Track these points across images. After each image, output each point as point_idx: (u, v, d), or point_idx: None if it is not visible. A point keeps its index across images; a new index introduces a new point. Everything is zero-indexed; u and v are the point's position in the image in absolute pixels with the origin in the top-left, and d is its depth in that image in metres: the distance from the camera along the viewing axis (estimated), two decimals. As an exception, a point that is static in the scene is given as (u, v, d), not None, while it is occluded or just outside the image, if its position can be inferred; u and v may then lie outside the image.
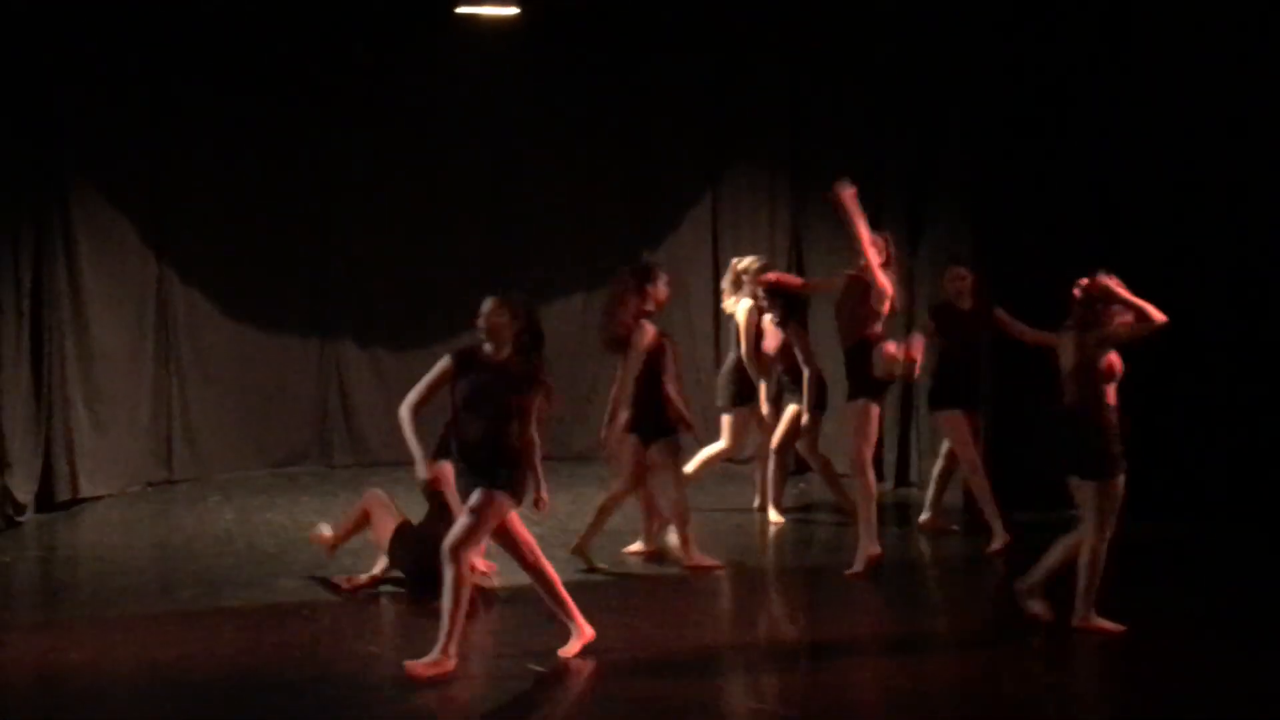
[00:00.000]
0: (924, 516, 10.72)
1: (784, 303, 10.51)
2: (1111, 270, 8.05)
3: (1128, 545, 8.33)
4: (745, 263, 11.15)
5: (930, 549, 10.35)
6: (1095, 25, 11.01)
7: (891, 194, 12.26)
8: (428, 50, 13.42)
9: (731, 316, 11.12)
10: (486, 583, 9.04)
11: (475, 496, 7.40)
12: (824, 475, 11.11)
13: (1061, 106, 11.09)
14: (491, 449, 7.38)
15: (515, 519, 7.65)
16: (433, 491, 8.37)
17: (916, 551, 10.36)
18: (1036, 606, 8.08)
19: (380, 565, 9.24)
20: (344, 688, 7.28)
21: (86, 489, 11.94)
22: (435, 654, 7.31)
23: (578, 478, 12.43)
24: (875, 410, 9.34)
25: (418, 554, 8.83)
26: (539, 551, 7.78)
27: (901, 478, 12.40)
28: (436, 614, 7.42)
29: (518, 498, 7.53)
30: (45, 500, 11.63)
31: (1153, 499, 9.82)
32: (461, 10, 12.85)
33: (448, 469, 7.94)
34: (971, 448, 10.22)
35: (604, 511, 9.83)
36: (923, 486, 11.42)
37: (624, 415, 9.50)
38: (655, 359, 9.49)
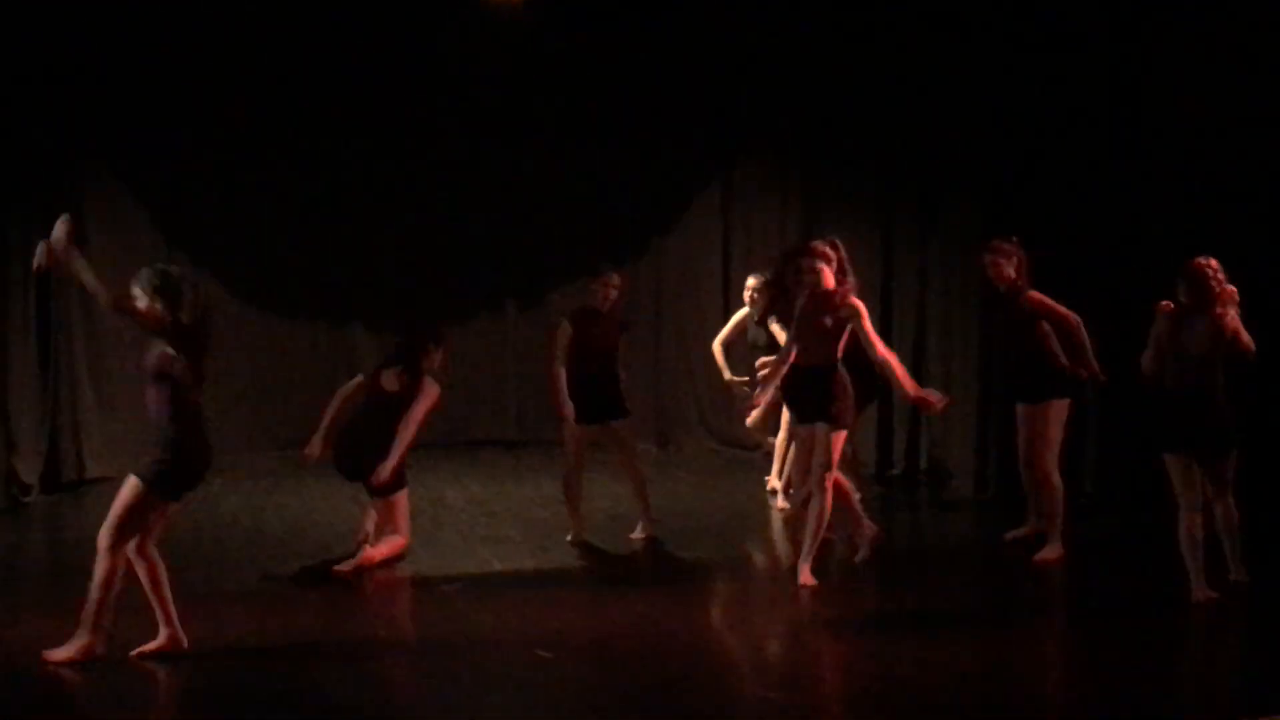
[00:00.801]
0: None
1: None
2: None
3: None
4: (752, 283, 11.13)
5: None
6: (1111, 21, 10.95)
7: (905, 184, 12.24)
8: (437, 37, 13.36)
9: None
10: None
11: None
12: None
13: (1078, 93, 11.04)
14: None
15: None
16: None
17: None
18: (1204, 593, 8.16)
19: (381, 547, 9.27)
20: (349, 670, 7.26)
21: (92, 470, 11.96)
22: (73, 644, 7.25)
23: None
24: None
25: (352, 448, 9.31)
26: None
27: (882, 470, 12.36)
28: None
29: None
30: (51, 481, 11.64)
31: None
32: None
33: None
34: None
35: (569, 496, 9.94)
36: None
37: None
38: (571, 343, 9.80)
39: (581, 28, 13.48)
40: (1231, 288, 8.15)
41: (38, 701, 6.92)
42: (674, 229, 14.07)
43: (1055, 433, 9.38)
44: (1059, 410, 9.39)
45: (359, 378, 9.73)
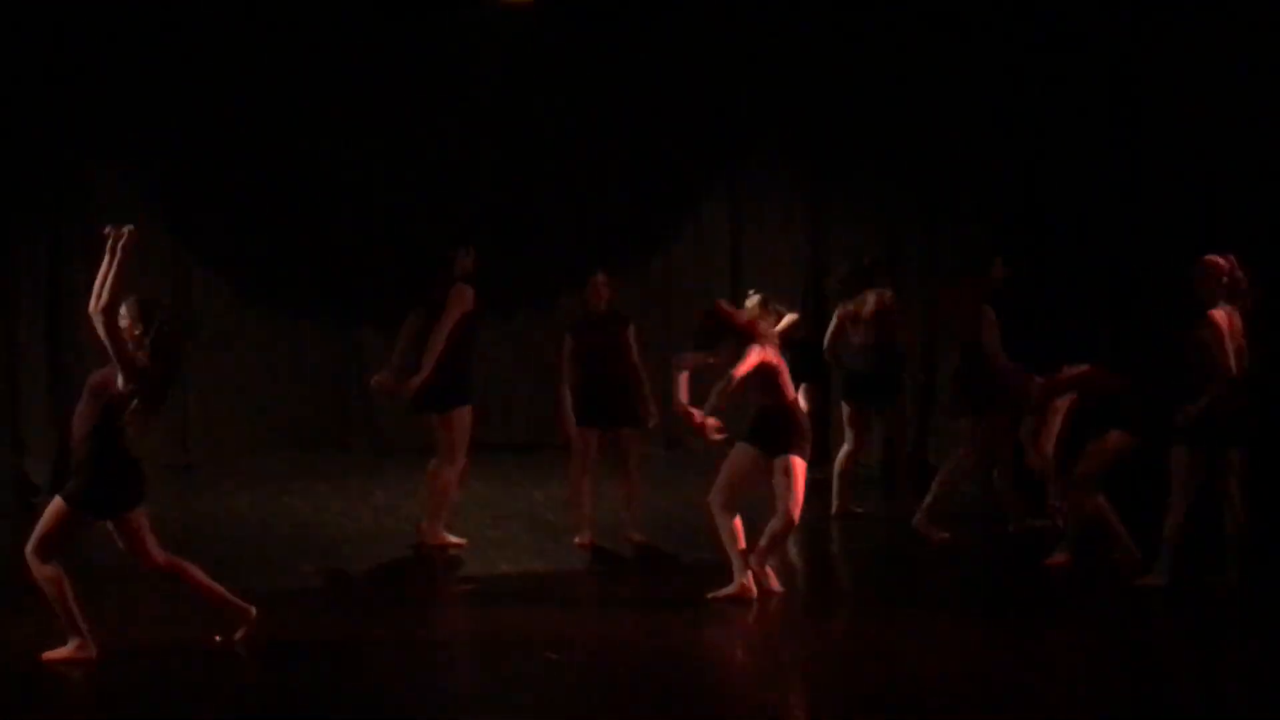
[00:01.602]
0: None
1: None
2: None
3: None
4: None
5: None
6: (1116, 26, 10.95)
7: (908, 191, 12.24)
8: (445, 36, 13.37)
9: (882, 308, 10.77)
10: None
11: None
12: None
13: (1083, 96, 11.04)
14: None
15: None
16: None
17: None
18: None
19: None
20: (355, 670, 7.28)
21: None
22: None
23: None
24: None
25: None
26: None
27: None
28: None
29: None
30: (61, 483, 11.61)
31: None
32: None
33: None
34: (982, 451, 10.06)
35: (578, 499, 9.94)
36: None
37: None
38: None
39: (589, 29, 13.48)
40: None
41: (38, 700, 6.94)
42: (682, 231, 14.06)
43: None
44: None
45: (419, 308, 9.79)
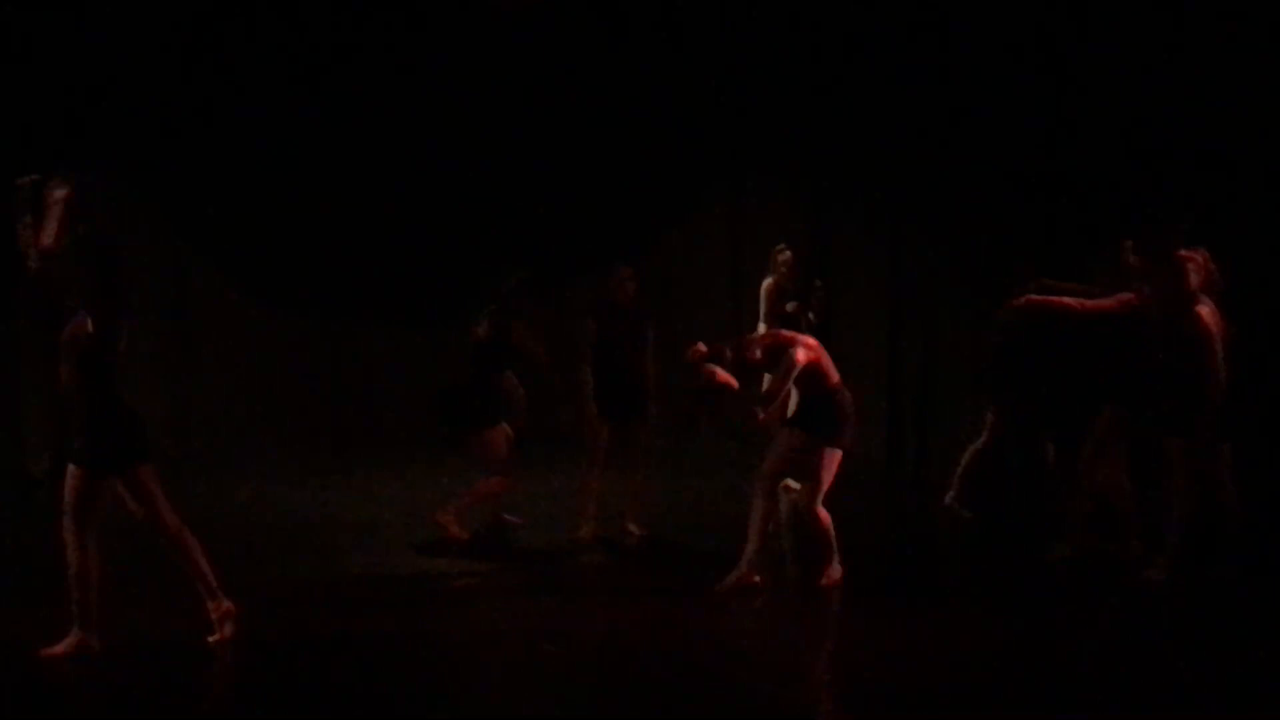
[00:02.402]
0: None
1: None
2: None
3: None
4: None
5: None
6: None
7: (909, 191, 12.26)
8: (448, 36, 13.38)
9: None
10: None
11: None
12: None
13: (1087, 103, 11.04)
14: None
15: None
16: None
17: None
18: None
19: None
20: (354, 665, 7.29)
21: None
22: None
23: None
24: None
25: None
26: None
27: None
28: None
29: None
30: (60, 475, 11.63)
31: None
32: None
33: None
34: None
35: (587, 491, 10.01)
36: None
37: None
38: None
39: (592, 28, 13.49)
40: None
41: (38, 699, 6.95)
42: (683, 226, 14.07)
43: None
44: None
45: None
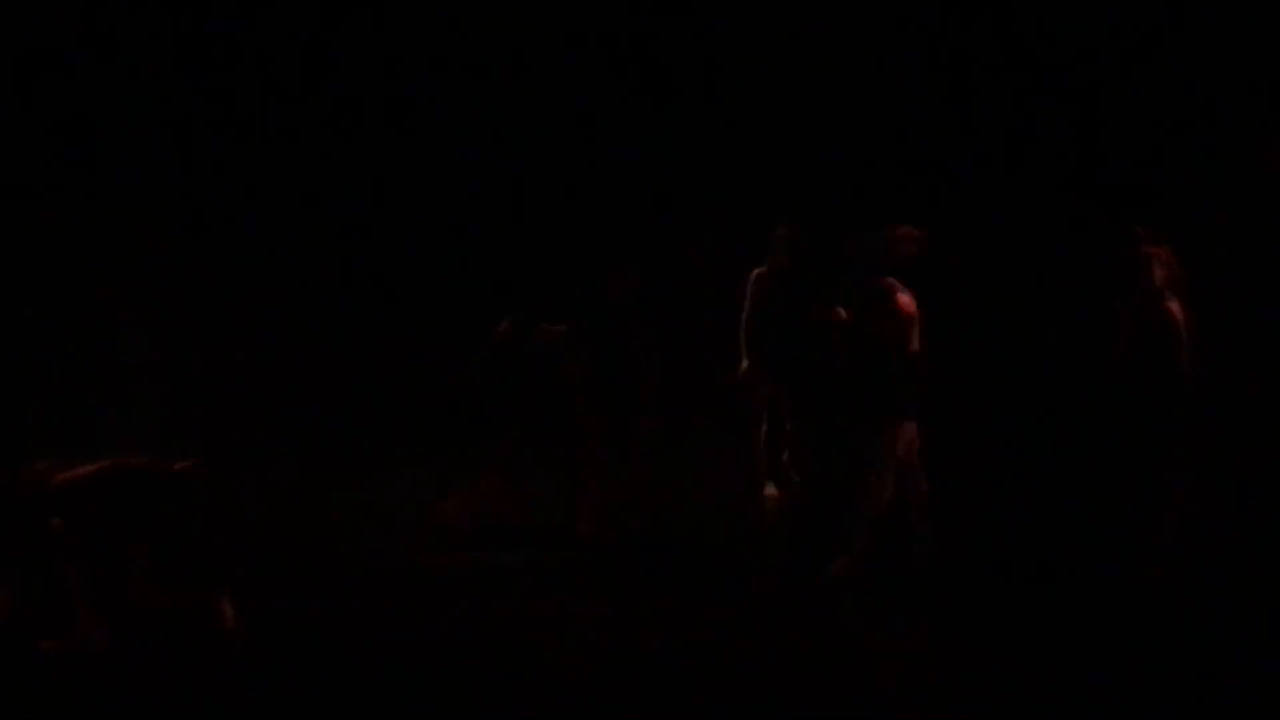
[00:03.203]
0: None
1: None
2: None
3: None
4: None
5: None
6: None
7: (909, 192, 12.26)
8: (448, 38, 13.38)
9: None
10: None
11: None
12: None
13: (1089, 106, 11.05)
14: None
15: None
16: None
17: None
18: None
19: None
20: (351, 667, 7.29)
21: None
22: None
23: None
24: None
25: None
26: None
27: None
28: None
29: None
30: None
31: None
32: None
33: None
34: None
35: (586, 489, 9.96)
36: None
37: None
38: None
39: (590, 29, 13.49)
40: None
41: (38, 697, 6.96)
42: (682, 226, 14.08)
43: None
44: None
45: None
